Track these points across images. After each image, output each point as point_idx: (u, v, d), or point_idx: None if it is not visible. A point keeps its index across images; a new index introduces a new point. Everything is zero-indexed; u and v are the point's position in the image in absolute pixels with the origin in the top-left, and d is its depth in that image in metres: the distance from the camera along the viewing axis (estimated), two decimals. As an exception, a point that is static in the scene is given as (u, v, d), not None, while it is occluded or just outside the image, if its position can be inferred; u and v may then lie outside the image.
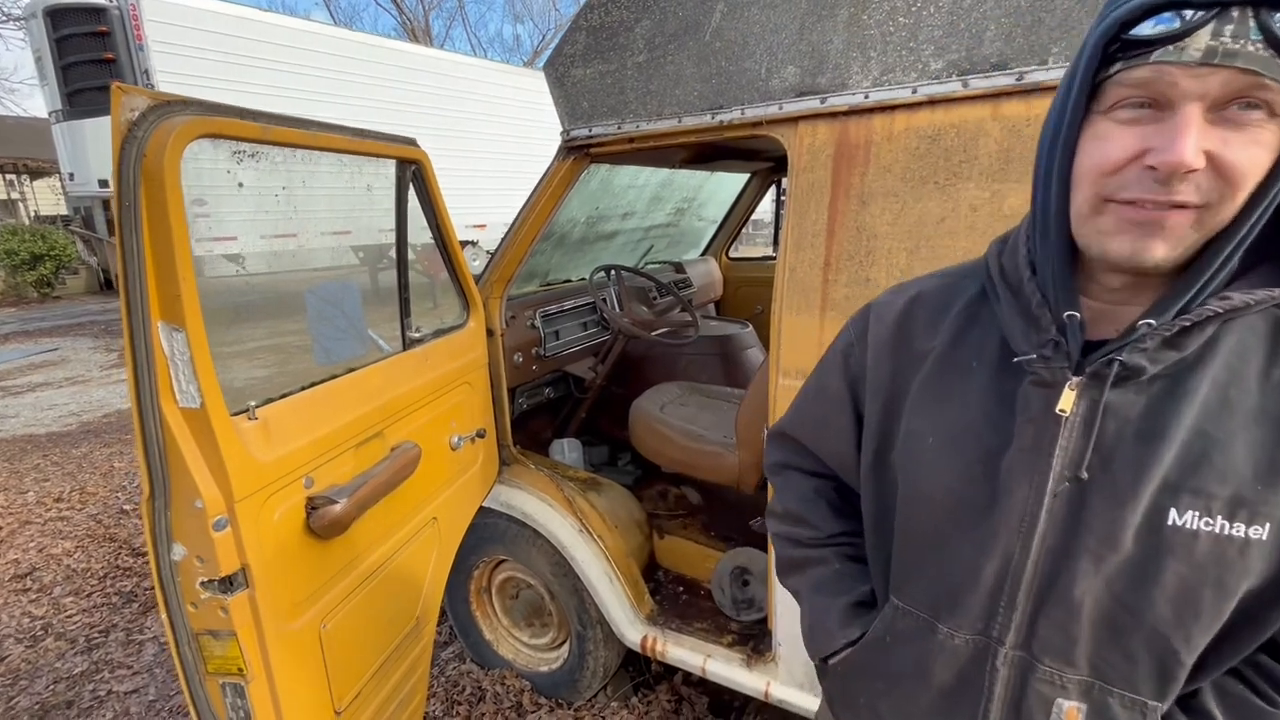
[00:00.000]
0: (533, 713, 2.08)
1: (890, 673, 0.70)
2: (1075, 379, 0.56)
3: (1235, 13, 0.44)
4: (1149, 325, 0.52)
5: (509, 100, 10.02)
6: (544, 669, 2.17)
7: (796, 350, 1.42)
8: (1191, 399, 0.53)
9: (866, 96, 1.30)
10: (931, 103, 1.23)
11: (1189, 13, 0.45)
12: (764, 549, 1.79)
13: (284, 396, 1.13)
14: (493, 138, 9.67)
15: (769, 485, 0.98)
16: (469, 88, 9.41)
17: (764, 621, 1.86)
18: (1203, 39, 0.44)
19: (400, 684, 1.42)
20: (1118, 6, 0.48)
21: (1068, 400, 0.56)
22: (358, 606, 1.27)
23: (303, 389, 1.17)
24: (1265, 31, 0.43)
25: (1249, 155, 0.46)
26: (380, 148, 1.28)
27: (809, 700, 1.62)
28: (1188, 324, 0.51)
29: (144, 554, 3.19)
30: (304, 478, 1.13)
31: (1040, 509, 0.57)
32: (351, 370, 1.30)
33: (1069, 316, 0.55)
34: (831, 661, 0.77)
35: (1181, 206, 0.48)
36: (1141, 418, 0.55)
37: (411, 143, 1.39)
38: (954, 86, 1.21)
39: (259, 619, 1.03)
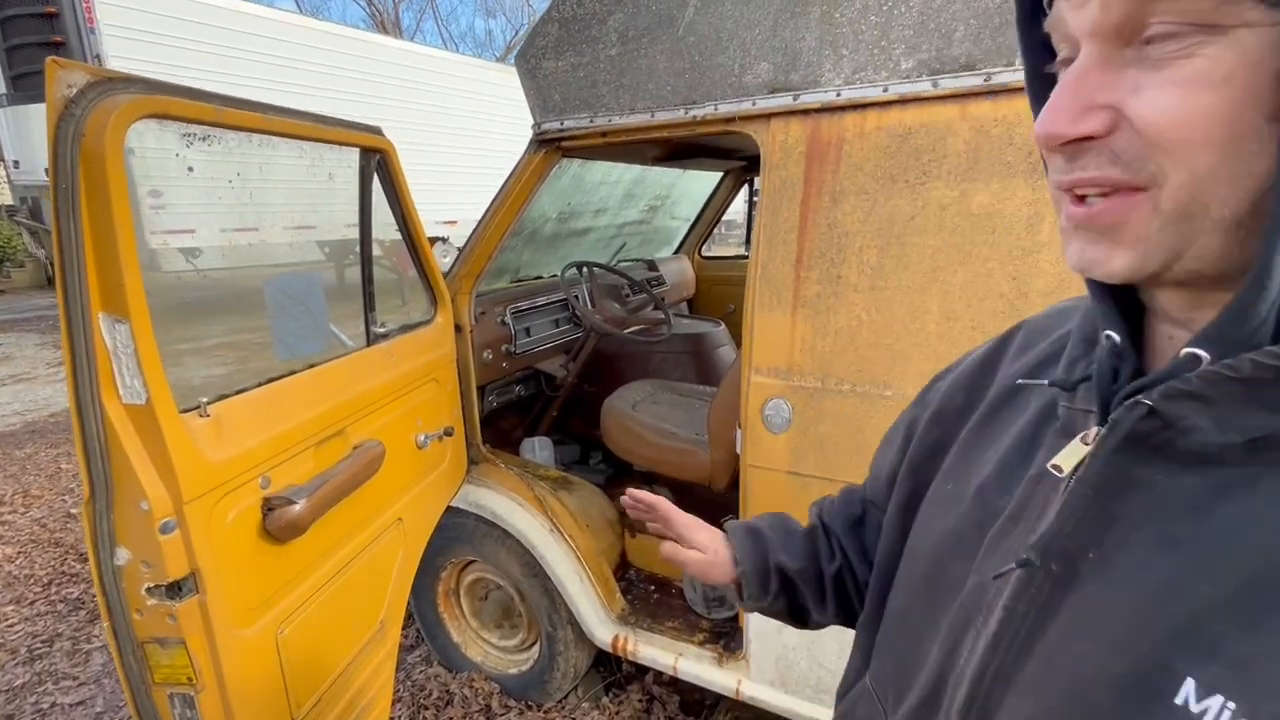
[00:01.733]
0: (502, 715, 2.05)
1: None
2: (1096, 428, 0.37)
3: None
4: (1193, 355, 0.33)
5: (481, 96, 9.88)
6: (514, 671, 2.14)
7: (769, 347, 1.42)
8: (1269, 507, 0.31)
9: (838, 94, 1.30)
10: (902, 101, 1.24)
11: None
12: (736, 547, 1.78)
13: (238, 393, 1.08)
14: (464, 133, 9.52)
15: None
16: (440, 82, 9.26)
17: (735, 619, 1.86)
18: None
19: (364, 689, 1.38)
20: None
21: (1072, 455, 0.38)
22: (318, 611, 1.22)
23: (258, 385, 1.12)
24: None
25: (1165, 100, 0.30)
26: (342, 135, 1.23)
27: (780, 698, 1.62)
28: (1271, 362, 0.29)
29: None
30: (260, 477, 1.08)
31: (996, 604, 0.39)
32: (311, 366, 1.25)
33: (1107, 338, 0.39)
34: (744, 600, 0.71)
35: (1117, 190, 0.33)
36: (1175, 507, 0.34)
37: (376, 131, 1.35)
38: (924, 86, 1.22)
39: (210, 626, 0.98)
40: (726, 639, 1.79)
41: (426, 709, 2.06)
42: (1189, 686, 0.30)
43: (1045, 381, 0.43)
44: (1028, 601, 0.37)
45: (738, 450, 1.52)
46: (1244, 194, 0.30)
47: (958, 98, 1.20)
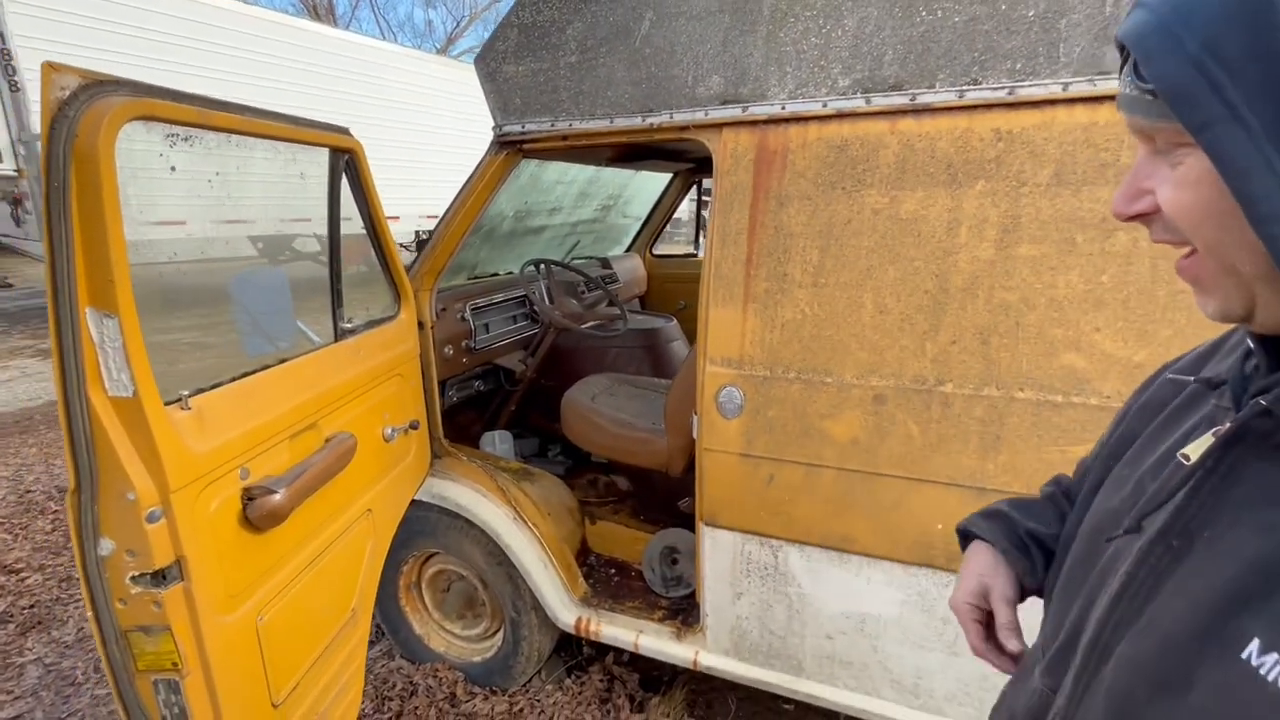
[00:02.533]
0: (467, 701, 2.09)
1: (1000, 705, 0.66)
2: (1227, 424, 0.42)
3: (1127, 63, 0.40)
4: None
5: (419, 89, 9.67)
6: (477, 659, 2.19)
7: (722, 340, 1.54)
8: None
9: (783, 108, 1.42)
10: (840, 116, 1.38)
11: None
12: (691, 529, 1.90)
13: (215, 386, 1.11)
14: (401, 127, 9.28)
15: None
16: (375, 73, 9.00)
17: (692, 596, 1.98)
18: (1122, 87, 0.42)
19: (337, 675, 1.42)
20: None
21: (1200, 446, 0.43)
22: (294, 599, 1.25)
23: (234, 379, 1.15)
24: (1136, 71, 0.39)
25: (1166, 194, 0.40)
26: (313, 135, 1.26)
27: (734, 665, 1.75)
28: None
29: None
30: (240, 468, 1.11)
31: (1121, 565, 0.47)
32: (284, 361, 1.28)
33: (1246, 346, 0.45)
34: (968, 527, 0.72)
35: (1189, 253, 0.41)
36: (1278, 498, 0.39)
37: (344, 131, 1.38)
38: (858, 103, 1.35)
39: (195, 612, 1.01)
40: (684, 615, 1.91)
41: (391, 700, 2.08)
42: (1254, 645, 0.36)
43: (1193, 379, 0.49)
44: (1147, 569, 0.44)
45: (694, 436, 1.63)
46: (1259, 256, 0.36)
47: (887, 114, 1.34)
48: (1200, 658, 0.39)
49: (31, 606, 2.65)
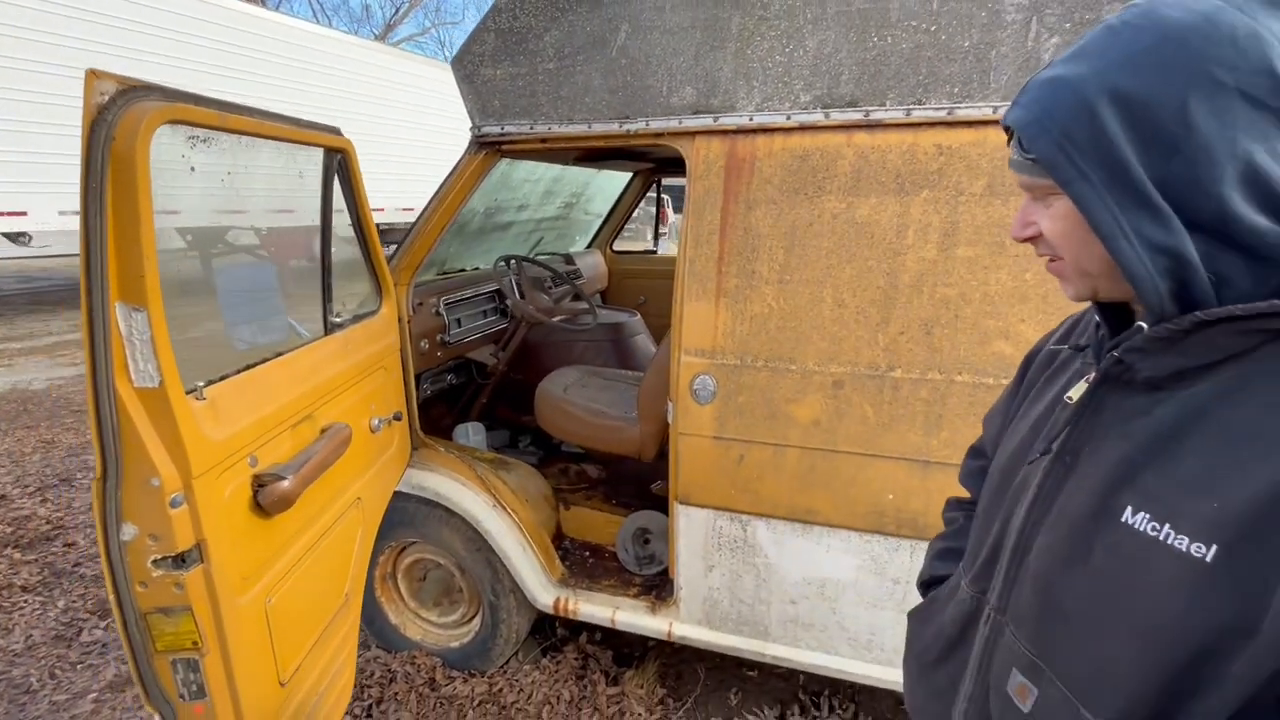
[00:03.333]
0: (446, 685, 2.16)
1: (928, 619, 0.80)
2: (1093, 373, 0.61)
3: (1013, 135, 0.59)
4: (1139, 329, 0.56)
5: (358, 77, 9.39)
6: (454, 644, 2.25)
7: (696, 331, 1.66)
8: (1183, 407, 0.53)
9: (751, 119, 1.55)
10: (802, 128, 1.52)
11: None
12: (664, 510, 2.02)
13: (224, 378, 1.15)
14: (340, 117, 9.00)
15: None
16: (308, 58, 8.68)
17: (664, 573, 2.10)
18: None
19: (334, 657, 1.47)
20: None
21: (1078, 390, 0.62)
22: (297, 582, 1.30)
23: (239, 371, 1.19)
24: (1020, 146, 0.57)
25: (1047, 224, 0.59)
26: (312, 136, 1.31)
27: (707, 634, 1.89)
28: (1178, 330, 0.52)
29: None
30: (249, 456, 1.15)
31: (1032, 483, 0.63)
32: (281, 354, 1.32)
33: (1097, 321, 0.64)
34: (925, 598, 0.86)
35: (1052, 259, 0.61)
36: (1130, 415, 0.56)
37: (337, 132, 1.42)
38: (818, 117, 1.50)
39: (214, 593, 1.06)
40: (657, 590, 2.04)
41: (370, 687, 2.13)
42: (1128, 511, 0.53)
43: (1066, 347, 0.70)
44: (1052, 480, 0.61)
45: (669, 422, 1.75)
46: (1102, 262, 0.56)
47: (844, 128, 1.49)
48: (1096, 531, 0.56)
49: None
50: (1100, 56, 0.53)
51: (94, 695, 2.15)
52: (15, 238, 6.92)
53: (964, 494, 0.95)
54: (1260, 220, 0.49)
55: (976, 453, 0.96)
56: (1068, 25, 1.31)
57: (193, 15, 7.27)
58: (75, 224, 6.60)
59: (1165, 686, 0.51)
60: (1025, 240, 0.62)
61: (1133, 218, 0.51)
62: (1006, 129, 0.59)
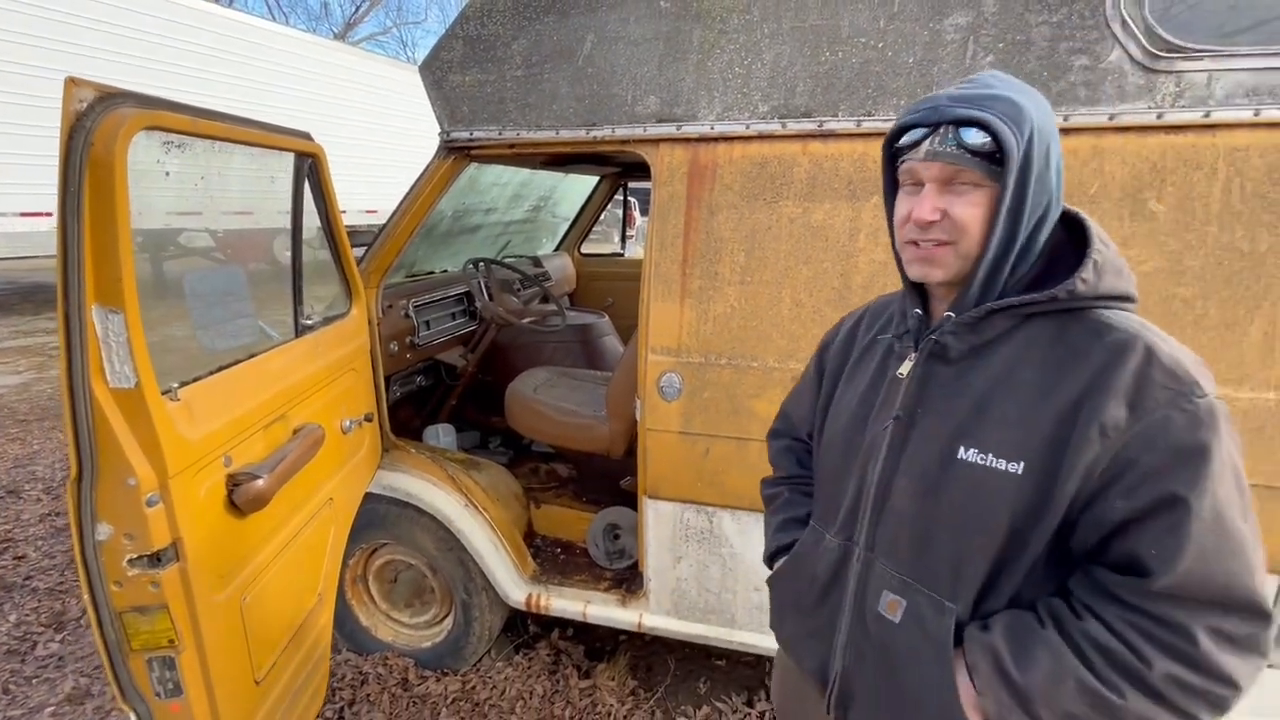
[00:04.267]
0: (419, 684, 2.17)
1: (795, 575, 0.93)
2: (914, 354, 0.81)
3: (941, 130, 0.71)
4: (949, 317, 0.76)
5: (318, 77, 9.22)
6: (426, 644, 2.26)
7: (662, 331, 1.73)
8: (987, 371, 0.74)
9: (712, 128, 1.63)
10: (760, 137, 1.60)
11: (919, 131, 0.73)
12: (633, 506, 2.08)
13: (197, 380, 1.16)
14: (300, 118, 8.82)
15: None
16: (264, 56, 8.48)
17: (634, 567, 2.16)
18: (925, 145, 0.73)
19: (308, 656, 1.48)
20: (895, 127, 0.77)
21: (906, 368, 0.81)
22: (271, 581, 1.32)
23: (213, 372, 1.21)
24: (959, 140, 0.70)
25: (965, 210, 0.71)
26: (283, 141, 1.32)
27: (675, 624, 1.95)
28: (978, 316, 0.73)
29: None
30: (223, 456, 1.17)
31: (883, 443, 0.80)
32: (252, 356, 1.34)
33: (914, 313, 0.82)
34: (773, 568, 1.00)
35: (942, 244, 0.73)
36: (950, 380, 0.77)
37: (307, 137, 1.44)
38: (775, 126, 1.58)
39: (190, 591, 1.07)
40: (627, 583, 2.09)
41: (342, 689, 2.13)
42: (962, 449, 0.73)
43: (889, 335, 0.87)
44: (899, 437, 0.80)
45: (637, 419, 1.81)
46: (979, 249, 0.73)
47: (800, 137, 1.58)
48: (942, 469, 0.75)
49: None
50: (1025, 95, 0.71)
51: (51, 709, 2.10)
52: None
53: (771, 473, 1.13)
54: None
55: (779, 434, 1.12)
56: (1001, 45, 1.42)
57: (137, 9, 7.04)
58: (25, 226, 6.36)
59: (996, 564, 0.73)
60: (929, 224, 0.74)
61: (1019, 218, 0.71)
62: (931, 124, 0.73)
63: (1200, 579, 0.64)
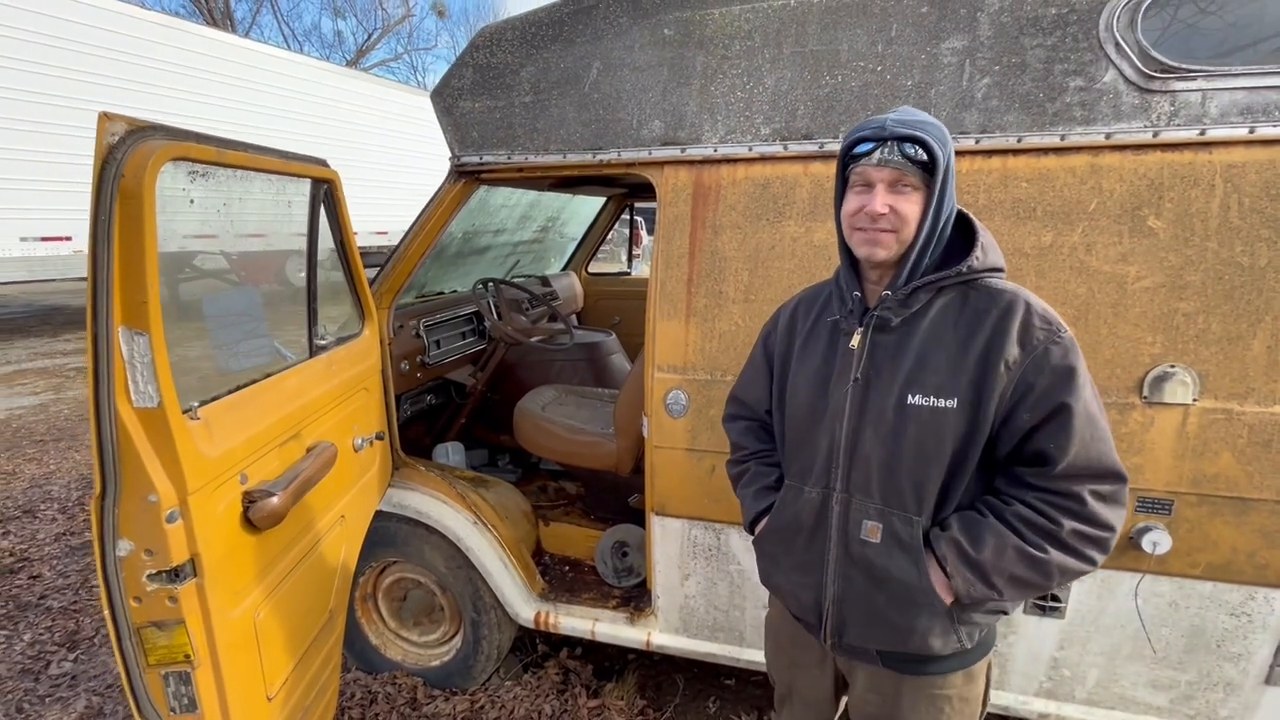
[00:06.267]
0: (428, 704, 2.17)
1: (782, 527, 1.11)
2: (859, 329, 1.02)
3: (889, 144, 0.93)
4: (887, 294, 0.99)
5: (331, 102, 9.44)
6: (435, 663, 2.26)
7: (668, 349, 1.75)
8: (919, 335, 0.98)
9: (715, 150, 1.67)
10: (763, 159, 1.64)
11: (869, 144, 0.95)
12: (640, 524, 2.08)
13: (216, 398, 1.19)
14: (314, 143, 9.02)
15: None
16: (281, 84, 8.71)
17: (642, 585, 2.16)
18: (876, 154, 0.95)
19: (319, 673, 1.49)
20: (848, 141, 0.99)
21: (856, 340, 1.02)
22: (284, 597, 1.34)
23: (229, 392, 1.24)
24: (902, 152, 0.93)
25: (907, 207, 0.95)
26: (301, 168, 1.37)
27: (684, 642, 1.95)
28: (908, 292, 0.97)
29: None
30: (240, 474, 1.20)
31: (846, 403, 1.02)
32: (269, 375, 1.37)
33: (854, 294, 1.04)
34: (756, 531, 1.18)
35: (886, 231, 0.96)
36: (893, 345, 1.00)
37: (323, 163, 1.49)
38: (777, 148, 1.62)
39: (207, 606, 1.09)
40: (635, 601, 2.09)
41: (351, 709, 2.13)
42: (910, 397, 0.97)
43: (835, 316, 1.07)
44: (859, 396, 1.01)
45: (644, 436, 1.83)
46: (914, 236, 0.97)
47: (801, 159, 1.61)
48: (898, 415, 0.97)
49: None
50: (940, 124, 0.96)
51: (64, 728, 2.11)
52: None
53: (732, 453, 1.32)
54: None
55: (737, 418, 1.30)
56: (997, 68, 1.45)
57: (158, 40, 7.26)
58: (45, 251, 6.51)
59: (946, 480, 0.97)
60: (879, 215, 0.94)
61: (941, 213, 0.96)
62: (881, 138, 0.94)
63: (1084, 459, 0.91)
